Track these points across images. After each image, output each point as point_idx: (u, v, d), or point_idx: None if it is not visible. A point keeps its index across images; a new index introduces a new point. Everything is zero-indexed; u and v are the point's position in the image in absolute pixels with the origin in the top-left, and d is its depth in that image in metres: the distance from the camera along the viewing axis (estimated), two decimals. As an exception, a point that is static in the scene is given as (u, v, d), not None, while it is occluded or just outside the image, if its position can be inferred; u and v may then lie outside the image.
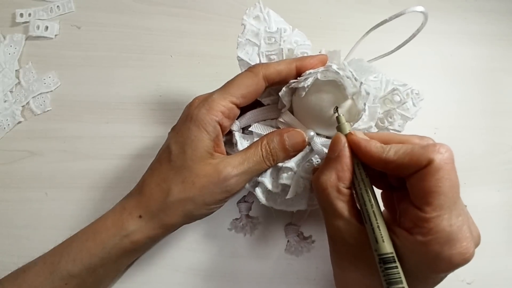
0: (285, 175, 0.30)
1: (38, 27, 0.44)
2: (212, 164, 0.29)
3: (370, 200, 0.25)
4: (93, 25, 0.45)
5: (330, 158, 0.27)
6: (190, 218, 0.30)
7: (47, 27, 0.44)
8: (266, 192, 0.32)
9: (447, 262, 0.22)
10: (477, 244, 0.24)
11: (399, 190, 0.27)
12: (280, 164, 0.31)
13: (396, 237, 0.24)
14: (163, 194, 0.29)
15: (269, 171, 0.31)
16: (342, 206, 0.26)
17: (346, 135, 0.26)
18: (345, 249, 0.26)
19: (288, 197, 0.30)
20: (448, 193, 0.22)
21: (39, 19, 0.44)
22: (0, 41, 0.43)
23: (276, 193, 0.31)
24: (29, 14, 0.44)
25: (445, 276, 0.24)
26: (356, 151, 0.26)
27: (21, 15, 0.44)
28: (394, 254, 0.24)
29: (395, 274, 0.23)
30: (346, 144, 0.26)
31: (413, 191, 0.24)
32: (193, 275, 0.38)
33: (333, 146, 0.27)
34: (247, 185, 0.31)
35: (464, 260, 0.22)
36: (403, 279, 0.23)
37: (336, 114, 0.28)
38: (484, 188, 0.42)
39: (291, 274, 0.38)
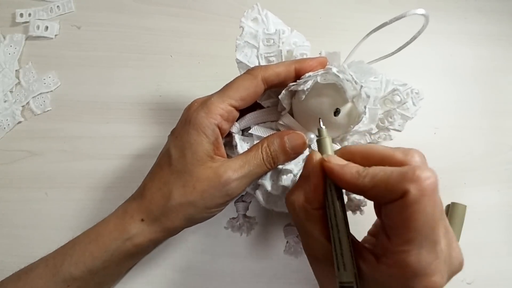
0: (284, 177, 0.30)
1: (38, 27, 0.44)
2: (212, 168, 0.28)
3: (337, 226, 0.24)
4: (93, 25, 0.45)
5: (302, 177, 0.26)
6: (191, 221, 0.30)
7: (47, 27, 0.44)
8: (266, 194, 0.32)
9: None
10: (455, 272, 0.23)
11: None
12: (280, 167, 0.30)
13: (364, 263, 0.23)
14: (164, 198, 0.29)
15: (269, 174, 0.31)
16: (311, 226, 0.25)
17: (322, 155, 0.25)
18: (318, 265, 0.26)
19: None
20: (421, 228, 0.20)
21: (39, 19, 0.44)
22: (0, 41, 0.43)
23: (276, 195, 0.31)
24: (29, 14, 0.44)
25: None
26: (330, 177, 0.24)
27: (21, 15, 0.44)
28: (354, 283, 0.23)
29: None
30: (318, 164, 0.24)
31: (386, 219, 0.22)
32: (193, 275, 0.38)
33: (305, 165, 0.26)
34: (248, 187, 0.31)
35: None
36: None
37: (319, 127, 0.26)
38: (484, 188, 0.43)
39: (291, 274, 0.38)
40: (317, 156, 0.25)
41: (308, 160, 0.25)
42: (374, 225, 0.30)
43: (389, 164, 0.23)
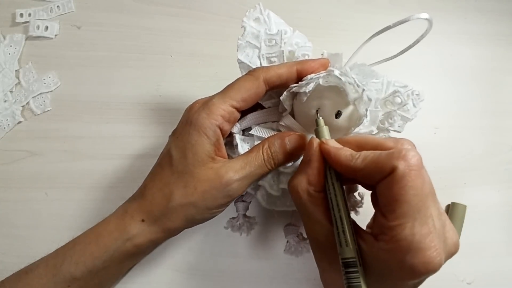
0: (284, 179, 0.30)
1: (38, 27, 0.44)
2: (213, 169, 0.28)
3: (338, 205, 0.25)
4: (93, 25, 0.45)
5: (303, 162, 0.27)
6: (192, 222, 0.30)
7: (47, 27, 0.44)
8: (267, 195, 0.32)
9: (410, 271, 0.22)
10: (451, 252, 0.24)
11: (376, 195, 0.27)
12: (281, 169, 0.30)
13: (363, 242, 0.24)
14: (165, 198, 0.29)
15: (270, 175, 0.31)
16: (314, 209, 0.26)
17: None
18: (321, 249, 0.27)
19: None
20: (411, 201, 0.22)
21: (39, 19, 0.44)
22: (0, 41, 0.43)
23: (277, 196, 0.31)
24: (29, 14, 0.44)
25: (418, 283, 0.24)
26: (327, 158, 0.26)
27: (21, 15, 0.44)
28: (357, 259, 0.24)
29: (355, 278, 0.24)
30: (318, 149, 0.26)
31: (380, 198, 0.24)
32: (193, 275, 0.38)
33: (306, 151, 0.27)
34: (248, 188, 0.31)
35: (428, 270, 0.22)
36: (362, 284, 0.23)
37: (317, 118, 0.28)
38: (484, 188, 0.43)
39: (291, 274, 0.38)
40: (317, 141, 0.27)
41: (309, 145, 0.27)
42: (372, 219, 0.30)
43: (380, 150, 0.24)
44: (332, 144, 0.26)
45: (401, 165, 0.22)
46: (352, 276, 0.24)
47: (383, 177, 0.23)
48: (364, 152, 0.24)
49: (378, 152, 0.24)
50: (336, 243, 0.25)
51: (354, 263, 0.24)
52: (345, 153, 0.25)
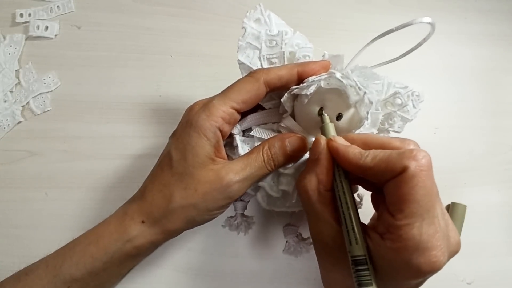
0: (284, 180, 0.30)
1: (38, 27, 0.43)
2: (214, 170, 0.28)
3: (347, 203, 0.25)
4: (93, 25, 0.45)
5: (311, 161, 0.27)
6: (192, 223, 0.30)
7: (47, 27, 0.44)
8: (267, 196, 0.32)
9: (416, 270, 0.22)
10: (454, 251, 0.24)
11: (380, 194, 0.27)
12: (281, 170, 0.31)
13: (370, 240, 0.25)
14: (165, 200, 0.29)
15: (269, 176, 0.31)
16: (322, 208, 0.26)
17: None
18: (326, 250, 0.27)
19: (293, 201, 0.31)
20: (421, 201, 0.22)
21: (39, 19, 0.44)
22: (0, 41, 0.43)
23: (276, 197, 0.31)
24: (29, 14, 0.44)
25: (420, 283, 0.24)
26: (335, 156, 0.26)
27: (21, 15, 0.44)
28: (367, 257, 0.24)
29: (365, 276, 0.24)
30: (326, 147, 0.26)
31: (388, 197, 0.24)
32: (193, 275, 0.38)
33: (313, 149, 0.27)
34: (248, 189, 0.31)
35: (433, 269, 0.22)
36: (373, 281, 0.24)
37: (322, 114, 0.28)
38: (484, 188, 0.43)
39: (291, 274, 0.38)
40: (324, 138, 0.27)
41: (315, 143, 0.27)
42: (372, 219, 0.30)
43: (387, 149, 0.24)
44: (340, 141, 0.26)
45: (412, 165, 0.22)
46: (363, 274, 0.24)
47: (393, 176, 0.23)
48: (373, 151, 0.24)
49: (388, 151, 0.24)
50: (345, 242, 0.25)
51: (364, 261, 0.24)
52: (353, 151, 0.25)
